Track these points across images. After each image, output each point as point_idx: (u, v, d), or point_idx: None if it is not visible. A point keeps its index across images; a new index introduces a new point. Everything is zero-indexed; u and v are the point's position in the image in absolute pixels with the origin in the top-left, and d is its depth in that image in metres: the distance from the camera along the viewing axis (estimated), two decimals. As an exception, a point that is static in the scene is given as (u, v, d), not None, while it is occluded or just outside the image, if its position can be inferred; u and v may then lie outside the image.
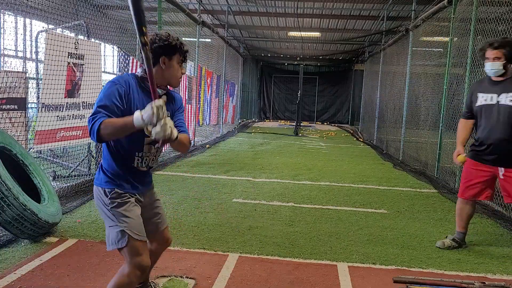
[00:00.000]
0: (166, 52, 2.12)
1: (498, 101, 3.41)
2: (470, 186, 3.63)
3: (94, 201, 2.27)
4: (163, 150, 7.84)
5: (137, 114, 1.85)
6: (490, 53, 3.37)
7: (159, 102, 1.83)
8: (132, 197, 2.21)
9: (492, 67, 3.37)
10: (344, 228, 4.22)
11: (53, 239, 3.54)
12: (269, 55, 20.78)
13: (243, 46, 18.28)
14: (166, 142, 1.92)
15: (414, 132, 8.86)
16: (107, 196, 2.15)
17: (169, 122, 1.87)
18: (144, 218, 2.29)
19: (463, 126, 3.73)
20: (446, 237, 3.89)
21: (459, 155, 3.64)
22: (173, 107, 2.30)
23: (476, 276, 3.20)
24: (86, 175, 6.05)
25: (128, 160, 2.17)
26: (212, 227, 4.06)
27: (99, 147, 6.29)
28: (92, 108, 5.58)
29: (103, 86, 6.67)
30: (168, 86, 2.24)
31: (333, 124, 21.06)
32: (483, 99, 3.50)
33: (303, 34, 15.41)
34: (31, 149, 4.83)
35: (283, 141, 12.30)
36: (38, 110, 4.78)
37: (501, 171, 3.46)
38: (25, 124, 4.86)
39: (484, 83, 3.59)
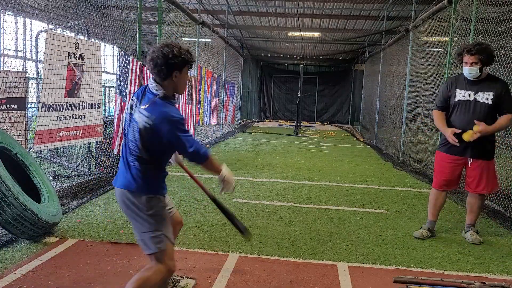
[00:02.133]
0: (178, 66, 2.21)
1: (475, 98, 3.74)
2: (444, 177, 3.94)
3: (122, 207, 2.29)
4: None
5: (226, 171, 2.47)
6: (467, 58, 3.70)
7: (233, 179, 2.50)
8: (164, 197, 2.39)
9: (470, 71, 3.72)
10: (344, 228, 4.22)
11: (53, 239, 3.54)
12: (269, 55, 20.78)
13: (243, 46, 18.27)
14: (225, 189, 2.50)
15: (414, 132, 8.86)
16: (148, 202, 2.25)
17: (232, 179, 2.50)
18: None
19: (440, 114, 3.97)
20: (421, 227, 4.11)
21: (457, 133, 3.75)
22: None
23: (476, 276, 3.20)
24: (86, 175, 6.05)
25: (163, 165, 2.40)
26: (212, 227, 4.06)
27: (99, 147, 6.29)
28: (91, 108, 5.57)
29: (103, 86, 6.69)
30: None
31: (333, 124, 21.04)
32: (461, 95, 3.82)
33: (303, 34, 15.40)
34: (31, 149, 4.83)
35: (283, 141, 12.30)
36: (38, 110, 4.78)
37: (470, 160, 3.82)
38: (25, 124, 4.86)
39: (461, 80, 3.88)
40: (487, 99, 3.70)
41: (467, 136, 3.70)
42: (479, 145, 3.74)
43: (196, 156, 2.26)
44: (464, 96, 3.79)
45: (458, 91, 3.83)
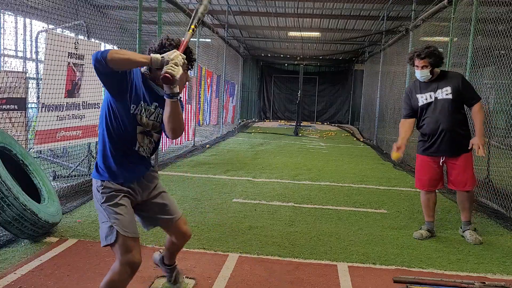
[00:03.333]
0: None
1: (436, 97, 3.88)
2: (427, 179, 4.02)
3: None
4: (163, 150, 7.84)
5: (156, 55, 2.00)
6: (418, 62, 3.85)
7: (182, 55, 2.03)
8: (123, 190, 2.22)
9: (422, 74, 3.88)
10: (344, 228, 4.22)
11: (53, 239, 3.54)
12: (269, 55, 20.77)
13: (243, 46, 18.27)
14: (170, 80, 1.97)
15: (414, 132, 8.85)
16: (99, 191, 2.18)
17: (180, 67, 2.00)
18: (149, 212, 2.35)
19: (403, 124, 4.14)
20: (420, 228, 4.13)
21: (396, 151, 3.90)
22: (158, 101, 2.31)
23: (476, 276, 3.20)
24: (86, 175, 6.05)
25: (126, 143, 2.19)
26: (212, 227, 4.06)
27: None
28: (91, 108, 5.58)
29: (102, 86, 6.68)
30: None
31: (333, 124, 21.03)
32: (423, 98, 3.95)
33: (303, 34, 15.40)
34: (31, 149, 4.83)
35: (283, 141, 12.30)
36: (38, 110, 4.78)
37: (442, 159, 3.93)
38: (25, 124, 4.86)
39: (418, 85, 4.01)
40: (447, 94, 3.83)
41: (394, 156, 3.88)
42: (453, 142, 3.84)
43: (96, 57, 1.93)
44: (426, 99, 3.93)
45: (419, 96, 3.97)
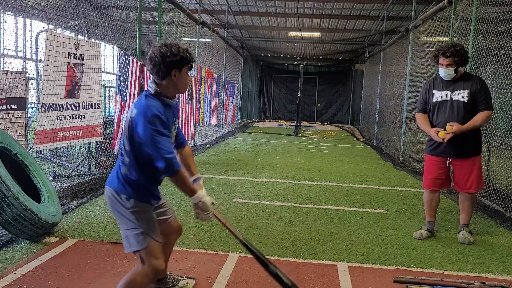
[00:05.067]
0: (177, 65, 2.19)
1: (451, 97, 3.83)
2: (433, 178, 4.02)
3: (108, 203, 2.30)
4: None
5: (201, 195, 2.26)
6: (443, 60, 3.80)
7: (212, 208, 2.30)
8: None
9: (446, 73, 3.82)
10: (344, 228, 4.22)
11: (53, 239, 3.54)
12: (269, 55, 20.78)
13: (243, 46, 18.27)
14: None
15: (414, 132, 8.85)
16: (128, 201, 2.21)
17: (212, 213, 2.31)
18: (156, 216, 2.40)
19: (423, 116, 4.05)
20: (421, 228, 4.13)
21: (438, 134, 3.81)
22: (176, 115, 2.40)
23: (476, 276, 3.19)
24: (86, 175, 6.05)
25: (150, 173, 2.28)
26: (212, 227, 4.06)
27: (99, 147, 6.29)
28: (91, 108, 5.57)
29: (103, 86, 6.69)
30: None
31: (333, 124, 21.04)
32: (438, 95, 3.91)
33: (303, 34, 15.40)
34: (31, 149, 4.83)
35: (283, 141, 12.30)
36: (38, 110, 4.78)
37: (449, 160, 3.90)
38: (25, 124, 4.86)
39: (437, 81, 3.97)
40: (463, 97, 3.78)
41: (442, 134, 3.77)
42: (461, 144, 3.79)
43: (168, 165, 2.12)
44: (441, 97, 3.88)
45: (435, 92, 3.93)
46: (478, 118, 3.75)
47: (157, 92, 2.23)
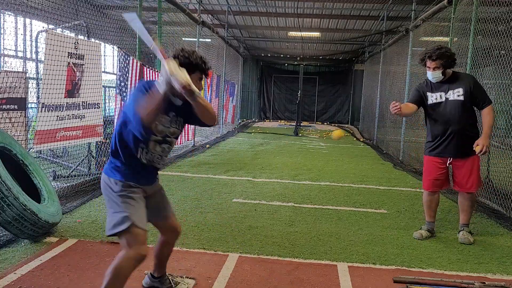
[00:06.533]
0: (187, 68, 2.17)
1: (447, 98, 3.85)
2: (433, 179, 4.03)
3: (102, 189, 2.36)
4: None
5: (156, 83, 2.10)
6: (429, 63, 3.83)
7: (170, 60, 2.06)
8: (139, 188, 2.35)
9: (433, 75, 3.85)
10: (344, 228, 4.22)
11: (53, 239, 3.54)
12: (269, 55, 20.78)
13: (243, 46, 18.27)
14: (187, 90, 2.04)
15: (414, 132, 8.85)
16: (116, 184, 2.27)
17: (183, 73, 2.03)
18: (150, 207, 2.41)
19: (407, 104, 4.03)
20: (421, 228, 4.14)
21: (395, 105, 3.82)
22: (178, 114, 2.39)
23: (476, 276, 3.20)
24: (86, 175, 6.05)
25: (133, 151, 2.30)
26: (212, 227, 4.06)
27: (99, 147, 6.30)
28: (91, 108, 5.57)
29: (103, 86, 6.69)
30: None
31: (333, 124, 21.04)
32: (433, 98, 3.92)
33: (303, 34, 15.40)
34: (31, 149, 4.83)
35: (283, 141, 12.30)
36: (38, 110, 4.78)
37: (449, 160, 3.91)
38: (25, 124, 4.86)
39: (428, 84, 3.97)
40: (458, 95, 3.79)
41: (478, 149, 3.70)
42: (460, 144, 3.80)
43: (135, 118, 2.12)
44: (436, 99, 3.89)
45: (429, 94, 3.93)
46: (488, 119, 3.73)
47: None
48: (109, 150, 6.31)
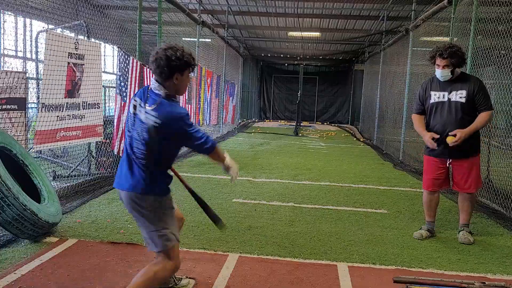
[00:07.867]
0: (180, 69, 2.27)
1: (449, 98, 3.83)
2: (433, 179, 4.03)
3: (129, 208, 2.34)
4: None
5: (231, 162, 2.43)
6: (439, 61, 3.79)
7: (229, 159, 2.44)
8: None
9: (442, 74, 3.82)
10: (344, 228, 4.22)
11: (53, 239, 3.54)
12: (269, 55, 20.77)
13: (243, 46, 18.27)
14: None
15: (414, 132, 8.84)
16: (155, 201, 2.31)
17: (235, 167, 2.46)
18: None
19: (419, 118, 4.08)
20: (421, 228, 4.13)
21: (434, 141, 3.83)
22: None
23: (476, 276, 3.20)
24: (86, 175, 6.05)
25: (170, 166, 2.47)
26: (212, 227, 4.04)
27: (99, 147, 6.29)
28: (91, 108, 5.57)
29: (103, 86, 6.69)
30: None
31: (333, 124, 21.04)
32: (436, 96, 3.90)
33: (303, 34, 15.40)
34: (31, 149, 4.83)
35: (283, 141, 12.30)
36: (38, 110, 4.78)
37: (449, 160, 3.90)
38: (25, 124, 4.86)
39: (434, 82, 3.96)
40: (460, 97, 3.77)
41: (449, 140, 3.75)
42: (460, 145, 3.76)
43: (205, 148, 2.32)
44: (438, 98, 3.88)
45: (432, 93, 3.92)
46: (480, 120, 3.74)
47: (167, 94, 2.30)
48: (108, 152, 6.29)
